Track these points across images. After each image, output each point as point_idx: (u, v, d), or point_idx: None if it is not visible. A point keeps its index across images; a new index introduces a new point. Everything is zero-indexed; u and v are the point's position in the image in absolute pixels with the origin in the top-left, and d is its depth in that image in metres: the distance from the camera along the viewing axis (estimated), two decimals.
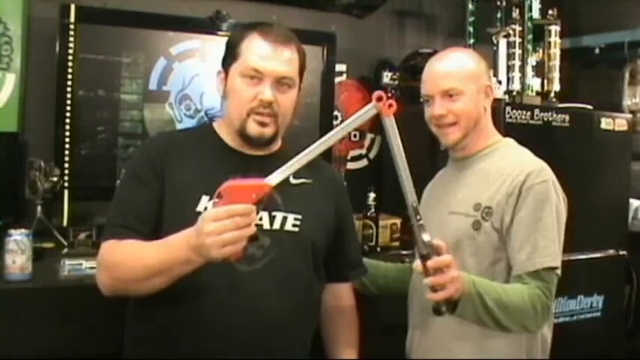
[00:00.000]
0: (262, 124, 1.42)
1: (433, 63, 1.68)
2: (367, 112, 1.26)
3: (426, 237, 1.29)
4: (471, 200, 1.59)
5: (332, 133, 1.28)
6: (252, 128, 1.42)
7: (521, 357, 1.56)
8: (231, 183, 1.19)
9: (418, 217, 1.30)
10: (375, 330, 1.98)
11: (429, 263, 1.28)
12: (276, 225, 1.43)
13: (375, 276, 1.82)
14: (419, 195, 1.72)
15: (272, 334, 1.39)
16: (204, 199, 1.37)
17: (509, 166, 1.59)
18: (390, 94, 2.20)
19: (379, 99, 1.25)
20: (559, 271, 1.53)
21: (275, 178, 1.21)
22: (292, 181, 1.47)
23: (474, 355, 1.55)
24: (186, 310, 1.35)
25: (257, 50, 1.42)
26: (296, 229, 1.44)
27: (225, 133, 1.49)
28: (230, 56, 1.45)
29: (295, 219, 1.44)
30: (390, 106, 1.25)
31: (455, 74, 1.62)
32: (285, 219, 1.44)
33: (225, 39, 1.53)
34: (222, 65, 1.49)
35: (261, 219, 1.39)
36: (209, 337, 1.34)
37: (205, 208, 1.36)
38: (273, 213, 1.43)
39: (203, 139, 1.50)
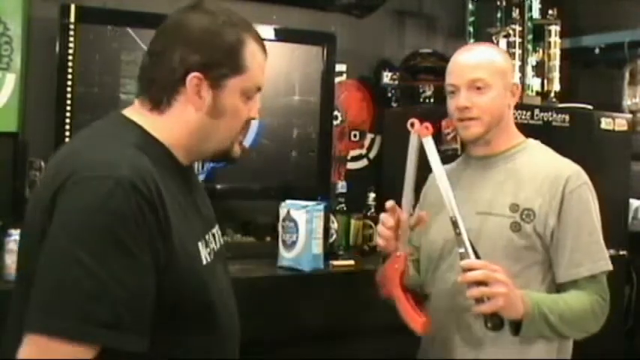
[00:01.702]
0: (240, 143, 1.25)
1: (461, 53, 1.63)
2: (413, 142, 1.43)
3: (461, 250, 1.35)
4: (505, 201, 1.54)
5: (407, 183, 1.46)
6: (237, 150, 1.24)
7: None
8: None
9: (458, 231, 1.36)
10: (377, 330, 1.99)
11: (474, 274, 1.33)
12: (217, 244, 1.28)
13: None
14: (418, 193, 1.72)
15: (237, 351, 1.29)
16: (200, 245, 1.16)
17: (544, 168, 1.56)
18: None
19: (412, 125, 1.43)
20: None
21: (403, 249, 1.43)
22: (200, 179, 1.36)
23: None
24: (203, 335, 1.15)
25: (261, 64, 1.21)
26: (222, 240, 1.32)
27: (181, 147, 1.19)
28: (225, 65, 1.15)
29: (218, 229, 1.31)
30: (427, 128, 1.42)
31: (484, 66, 1.57)
32: (217, 233, 1.30)
33: None
34: (199, 70, 1.13)
35: (211, 242, 1.24)
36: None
37: (206, 259, 1.16)
38: (212, 230, 1.27)
39: (159, 161, 1.13)
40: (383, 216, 1.53)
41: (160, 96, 1.16)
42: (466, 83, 1.56)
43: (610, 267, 1.54)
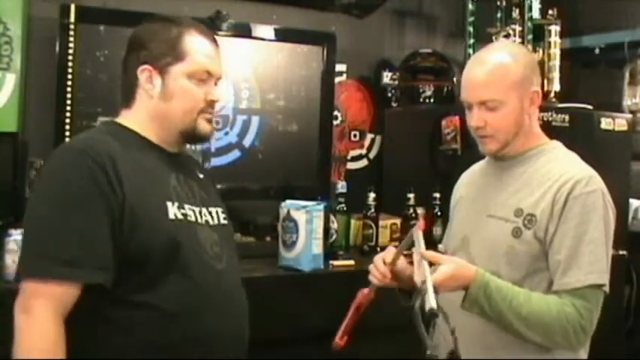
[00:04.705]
0: (210, 122, 1.44)
1: (474, 66, 1.54)
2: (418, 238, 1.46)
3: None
4: (512, 205, 1.50)
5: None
6: (204, 127, 1.42)
7: None
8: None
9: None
10: (377, 330, 1.98)
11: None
12: (215, 220, 1.46)
13: None
14: (448, 186, 1.75)
15: (244, 326, 1.44)
16: (169, 204, 1.35)
17: (555, 172, 1.49)
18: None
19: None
20: (607, 288, 1.44)
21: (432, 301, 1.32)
22: (200, 176, 1.53)
23: None
24: (182, 308, 1.32)
25: (204, 51, 1.41)
26: (226, 221, 1.50)
27: (150, 132, 1.42)
28: (168, 55, 1.38)
29: (222, 212, 1.50)
30: (420, 227, 1.48)
31: (496, 83, 1.48)
32: (217, 213, 1.48)
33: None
34: (148, 62, 1.39)
35: (205, 215, 1.43)
36: (202, 335, 1.34)
37: (175, 215, 1.34)
38: (210, 208, 1.46)
39: (129, 141, 1.38)
40: (387, 250, 1.56)
41: (127, 94, 1.43)
42: (477, 103, 1.50)
43: (601, 281, 1.43)
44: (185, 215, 1.37)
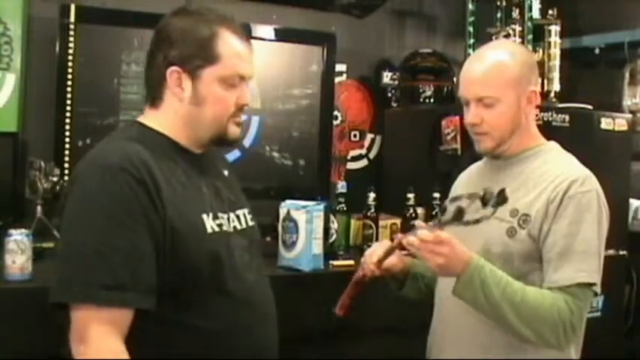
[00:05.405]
0: (239, 125, 1.36)
1: (472, 63, 1.55)
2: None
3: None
4: (508, 205, 1.47)
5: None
6: (233, 132, 1.35)
7: None
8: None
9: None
10: (377, 330, 1.98)
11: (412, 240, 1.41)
12: (243, 223, 1.41)
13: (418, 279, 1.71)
14: (448, 186, 1.75)
15: (275, 335, 1.40)
16: (204, 217, 1.29)
17: (552, 172, 1.50)
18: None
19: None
20: (597, 288, 1.43)
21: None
22: (225, 173, 1.47)
23: None
24: (222, 326, 1.28)
25: (238, 53, 1.31)
26: (252, 222, 1.45)
27: (181, 135, 1.34)
28: (199, 57, 1.28)
29: (248, 212, 1.45)
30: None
31: (493, 80, 1.49)
32: (244, 215, 1.43)
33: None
34: (177, 64, 1.29)
35: (233, 220, 1.37)
36: (239, 352, 1.30)
37: (212, 228, 1.29)
38: (237, 211, 1.40)
39: (158, 147, 1.30)
40: (379, 245, 1.61)
41: (153, 93, 1.34)
42: (474, 99, 1.51)
43: (592, 280, 1.42)
44: (220, 226, 1.31)
